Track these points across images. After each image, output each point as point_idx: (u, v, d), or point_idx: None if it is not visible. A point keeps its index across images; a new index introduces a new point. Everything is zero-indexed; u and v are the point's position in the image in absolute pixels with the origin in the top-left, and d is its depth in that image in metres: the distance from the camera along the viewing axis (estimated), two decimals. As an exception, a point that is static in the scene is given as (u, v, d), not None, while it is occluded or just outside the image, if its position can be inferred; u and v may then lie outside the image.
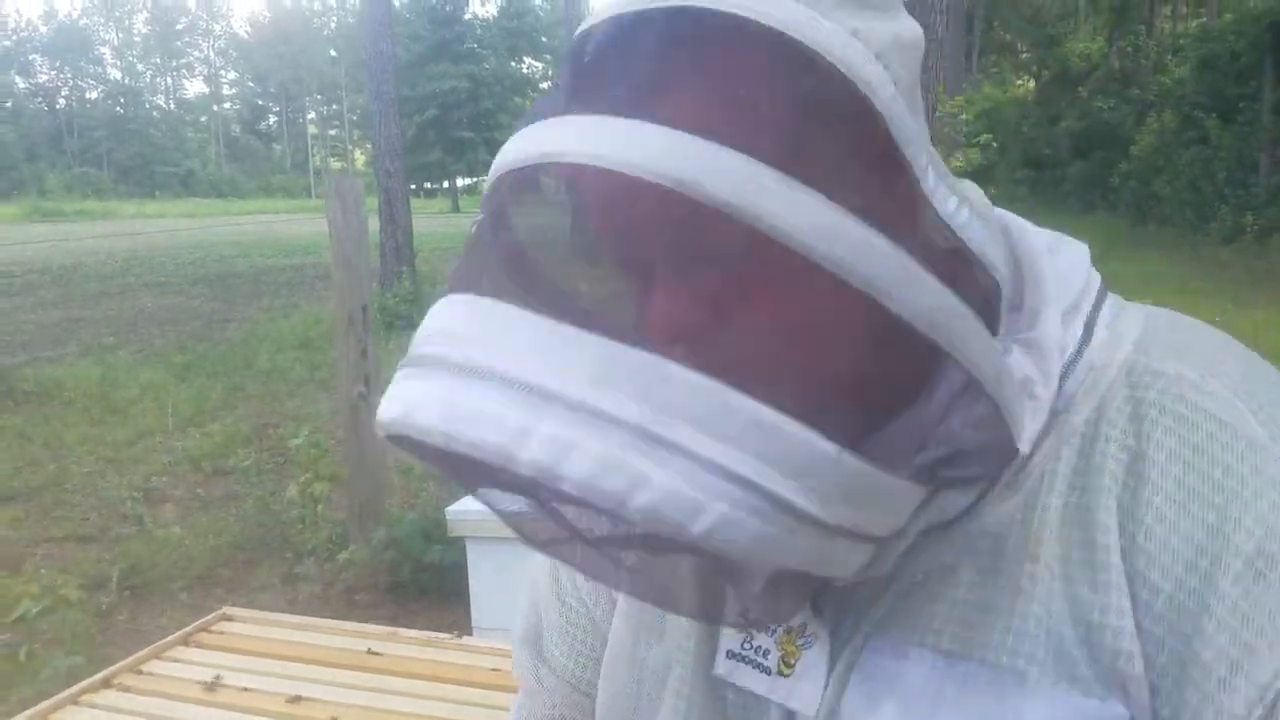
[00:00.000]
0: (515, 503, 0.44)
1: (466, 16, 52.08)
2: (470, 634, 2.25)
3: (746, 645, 0.50)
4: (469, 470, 0.37)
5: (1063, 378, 0.45)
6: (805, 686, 0.47)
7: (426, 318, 0.38)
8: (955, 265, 0.41)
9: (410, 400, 0.35)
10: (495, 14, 54.43)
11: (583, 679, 0.62)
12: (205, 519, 4.37)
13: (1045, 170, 25.07)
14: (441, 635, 1.45)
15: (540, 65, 63.46)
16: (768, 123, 0.37)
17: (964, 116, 11.39)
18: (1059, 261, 0.51)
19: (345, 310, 3.50)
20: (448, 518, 2.23)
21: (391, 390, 0.37)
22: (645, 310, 0.40)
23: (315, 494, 3.71)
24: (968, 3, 28.72)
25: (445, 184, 58.49)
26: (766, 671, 0.48)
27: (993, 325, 0.44)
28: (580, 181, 0.40)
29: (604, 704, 0.58)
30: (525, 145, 0.38)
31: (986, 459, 0.41)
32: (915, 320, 0.36)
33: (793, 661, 0.48)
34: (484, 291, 0.36)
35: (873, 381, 0.40)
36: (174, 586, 3.66)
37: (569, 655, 0.63)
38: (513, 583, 2.17)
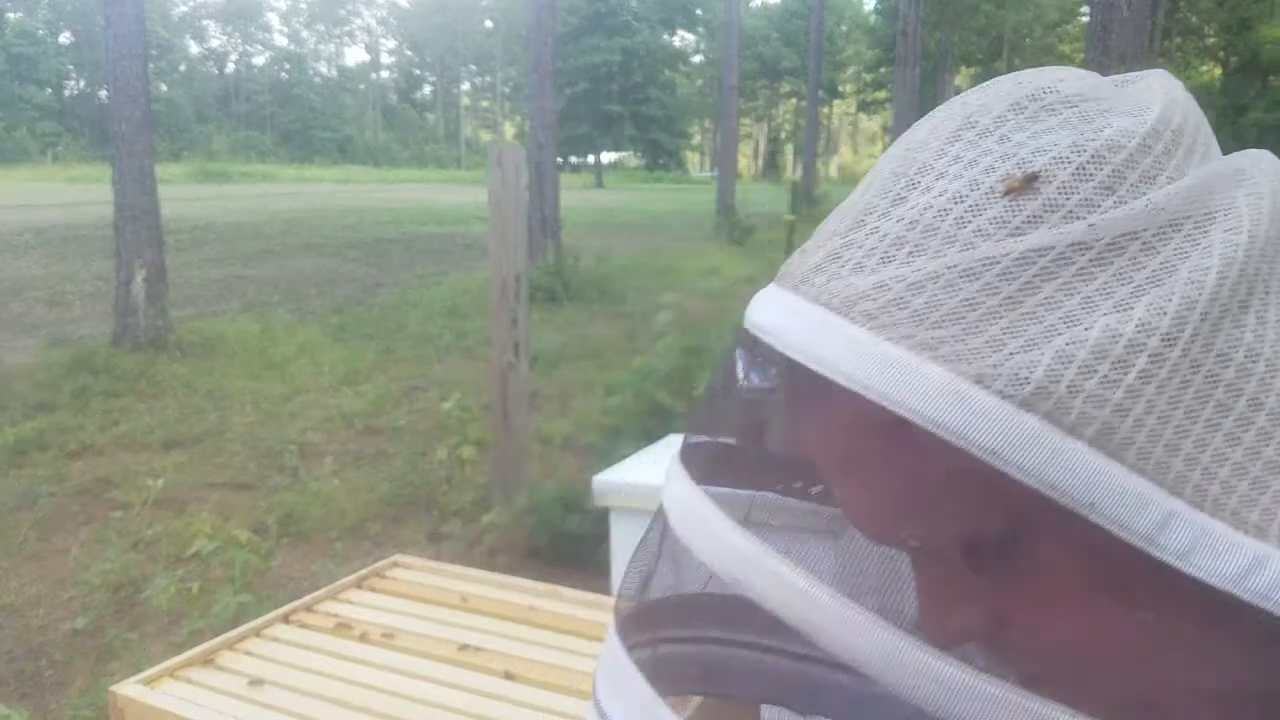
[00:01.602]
0: None
1: (623, -13, 52.32)
2: (607, 608, 2.28)
3: None
4: None
5: None
6: None
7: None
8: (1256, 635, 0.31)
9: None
10: (651, -16, 54.39)
11: None
12: (356, 474, 4.60)
13: (1228, 164, 23.19)
14: (602, 596, 1.47)
15: (693, 38, 63.07)
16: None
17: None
18: None
19: (499, 278, 3.58)
20: (594, 487, 2.25)
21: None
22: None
23: (463, 457, 3.84)
24: (1153, -18, 26.78)
25: (590, 159, 59.10)
26: None
27: None
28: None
29: None
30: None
31: None
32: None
33: None
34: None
35: None
36: (327, 536, 3.86)
37: None
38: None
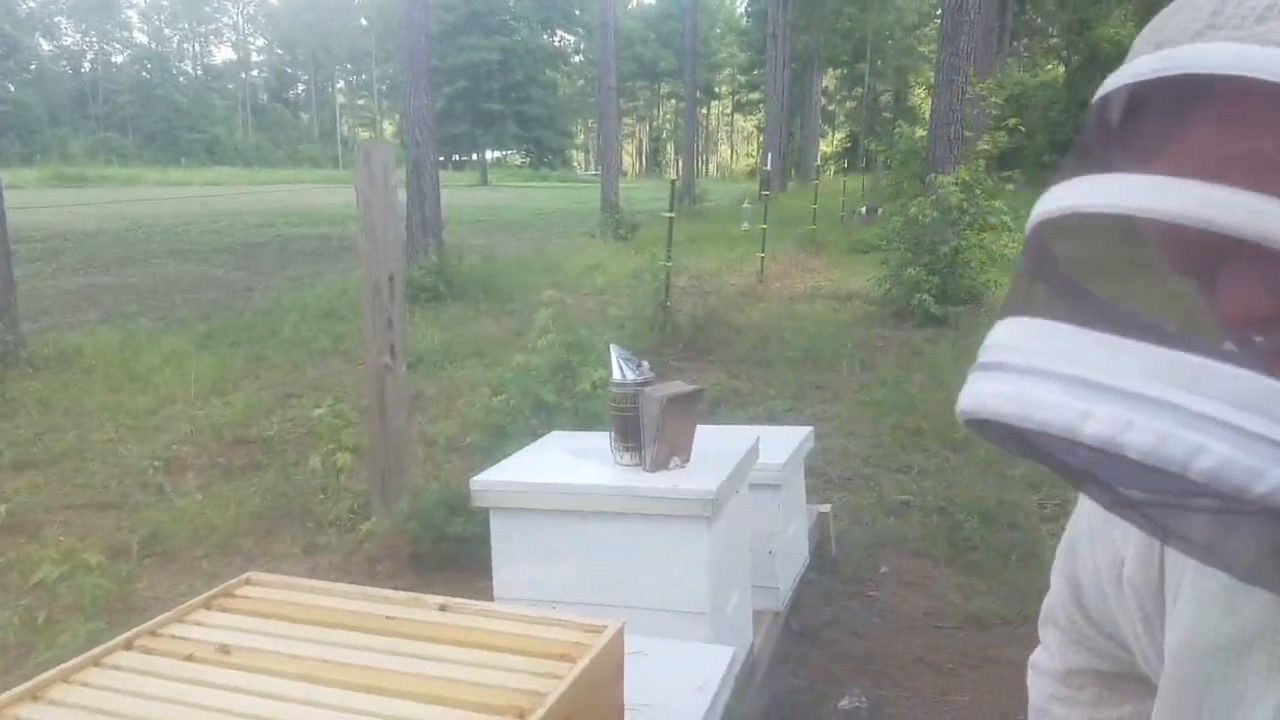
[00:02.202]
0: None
1: (499, -12, 51.86)
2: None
3: None
4: (1038, 448, 0.46)
5: None
6: None
7: (989, 335, 0.47)
8: None
9: (983, 394, 0.44)
10: (527, -15, 54.03)
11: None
12: (226, 487, 4.38)
13: (1073, 156, 24.78)
14: (464, 601, 1.43)
15: (572, 38, 63.00)
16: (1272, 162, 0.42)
17: (994, 99, 11.24)
18: None
19: (371, 279, 3.47)
20: (472, 488, 2.21)
21: (965, 389, 0.46)
22: (1193, 319, 0.49)
23: (338, 464, 3.71)
24: (1003, -14, 28.28)
25: (474, 156, 58.31)
26: None
27: None
28: (1137, 226, 0.46)
29: (1172, 684, 0.63)
30: (1063, 196, 0.46)
31: None
32: None
33: None
34: (1035, 314, 0.45)
35: None
36: (194, 554, 3.66)
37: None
38: (534, 553, 2.15)
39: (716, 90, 76.63)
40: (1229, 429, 0.38)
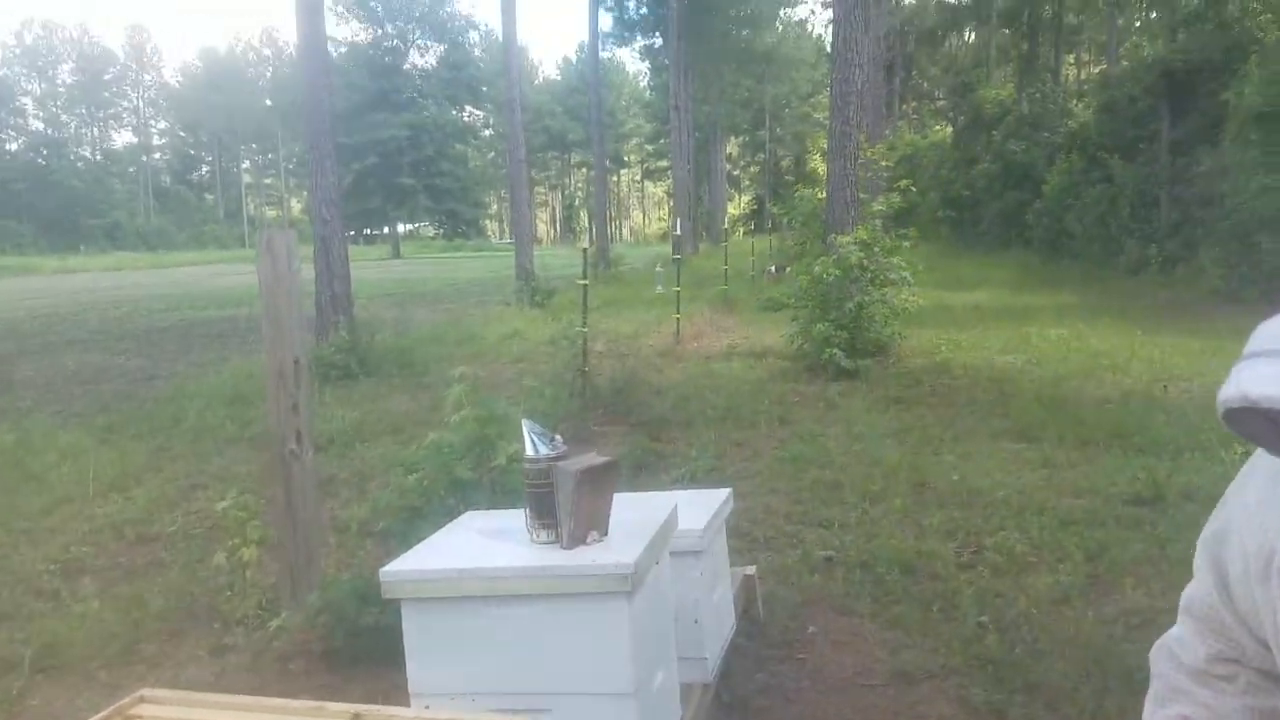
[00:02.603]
0: None
1: (406, 67, 52.26)
2: (407, 701, 2.15)
3: None
4: None
5: None
6: None
7: (1260, 328, 0.52)
8: None
9: (1246, 382, 0.48)
10: (435, 64, 54.57)
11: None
12: (127, 590, 4.14)
13: (964, 210, 26.00)
14: (371, 707, 1.37)
15: (481, 114, 63.68)
16: None
17: (885, 163, 11.78)
18: None
19: (275, 364, 3.38)
20: (381, 579, 2.13)
21: (1231, 381, 0.50)
22: None
23: (244, 559, 3.55)
24: (888, 55, 29.79)
25: (386, 230, 57.96)
26: None
27: None
28: None
29: None
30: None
31: None
32: None
33: None
34: None
35: None
36: (92, 665, 3.44)
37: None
38: (449, 644, 2.08)
39: (626, 159, 78.23)
40: None
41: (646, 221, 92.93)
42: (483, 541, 2.26)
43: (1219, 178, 16.01)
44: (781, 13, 43.66)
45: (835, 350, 8.64)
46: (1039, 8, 28.54)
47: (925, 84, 38.99)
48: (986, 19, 31.32)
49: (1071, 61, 34.88)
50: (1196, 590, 0.84)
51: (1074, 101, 25.66)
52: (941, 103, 37.00)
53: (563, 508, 2.07)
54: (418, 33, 52.97)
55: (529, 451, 2.13)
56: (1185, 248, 16.58)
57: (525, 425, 2.16)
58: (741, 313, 14.70)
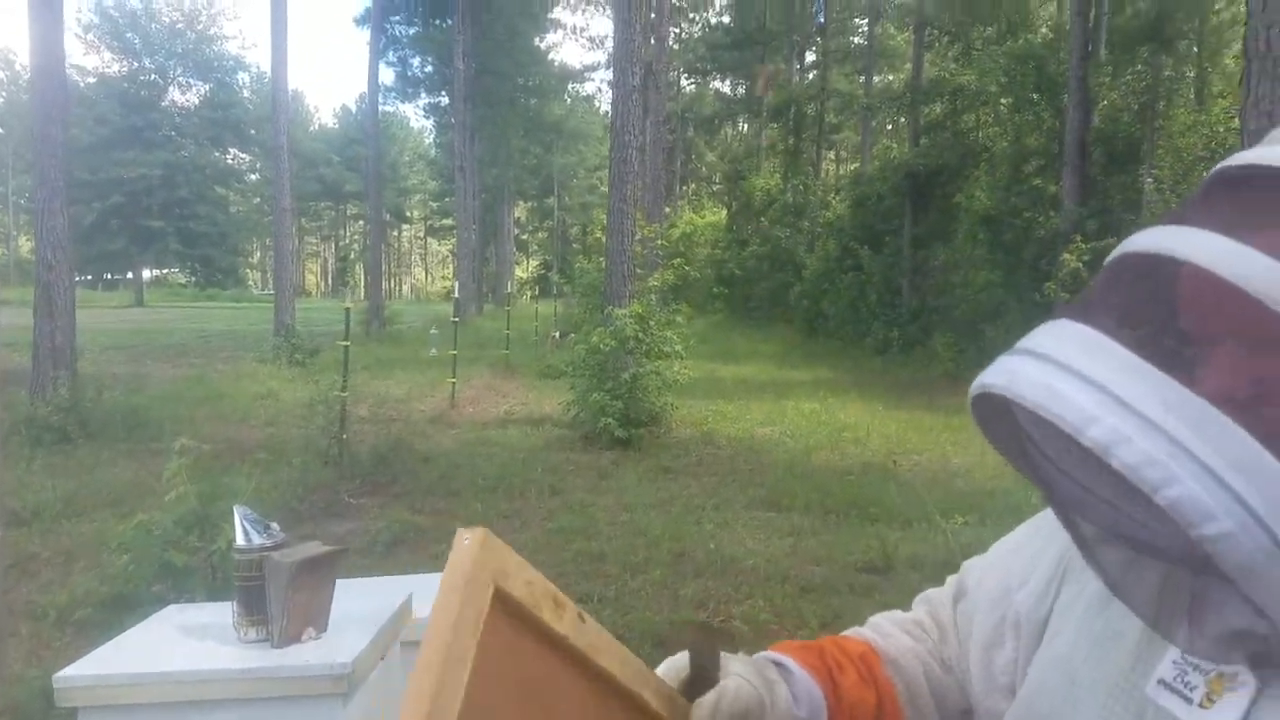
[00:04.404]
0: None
1: (164, 103, 48.70)
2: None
3: (1178, 680, 0.60)
4: (1036, 435, 0.54)
5: None
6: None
7: (1039, 328, 0.54)
8: None
9: (1018, 373, 0.51)
10: (197, 102, 51.21)
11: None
12: None
13: (736, 288, 27.63)
14: None
15: (248, 157, 60.26)
16: None
17: (661, 242, 12.30)
18: None
19: (-52, 431, 2.89)
20: (55, 685, 1.82)
21: (999, 366, 0.53)
22: (1207, 369, 0.54)
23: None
24: (670, 138, 31.40)
25: (130, 275, 53.00)
26: (1189, 702, 0.59)
27: None
28: (1183, 272, 0.53)
29: (1027, 694, 0.72)
30: (1154, 238, 0.54)
31: None
32: None
33: (1215, 698, 0.58)
34: (1092, 325, 0.51)
35: None
36: None
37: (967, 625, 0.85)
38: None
39: (408, 214, 76.70)
40: (1209, 472, 0.46)
41: (430, 279, 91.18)
42: (181, 640, 1.99)
43: (952, 271, 18.03)
44: (571, 86, 45.03)
45: (610, 420, 8.73)
46: (803, 106, 31.19)
47: (704, 169, 41.36)
48: (758, 113, 33.80)
49: (831, 158, 38.34)
50: (939, 594, 0.93)
51: (832, 195, 28.12)
52: (718, 187, 39.30)
53: (275, 603, 1.86)
54: (179, 69, 49.65)
55: (239, 540, 1.91)
56: (923, 332, 18.38)
57: (237, 511, 1.94)
58: (522, 378, 14.61)
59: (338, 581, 2.04)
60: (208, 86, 50.78)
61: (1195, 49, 19.76)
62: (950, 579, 0.92)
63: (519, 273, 58.81)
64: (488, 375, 14.73)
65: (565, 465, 7.95)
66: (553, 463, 8.00)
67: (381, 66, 32.02)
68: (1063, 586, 0.74)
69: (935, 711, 0.85)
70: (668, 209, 23.57)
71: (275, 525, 1.94)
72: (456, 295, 15.05)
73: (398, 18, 32.51)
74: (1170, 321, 0.56)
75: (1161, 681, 0.61)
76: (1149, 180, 14.68)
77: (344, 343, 7.50)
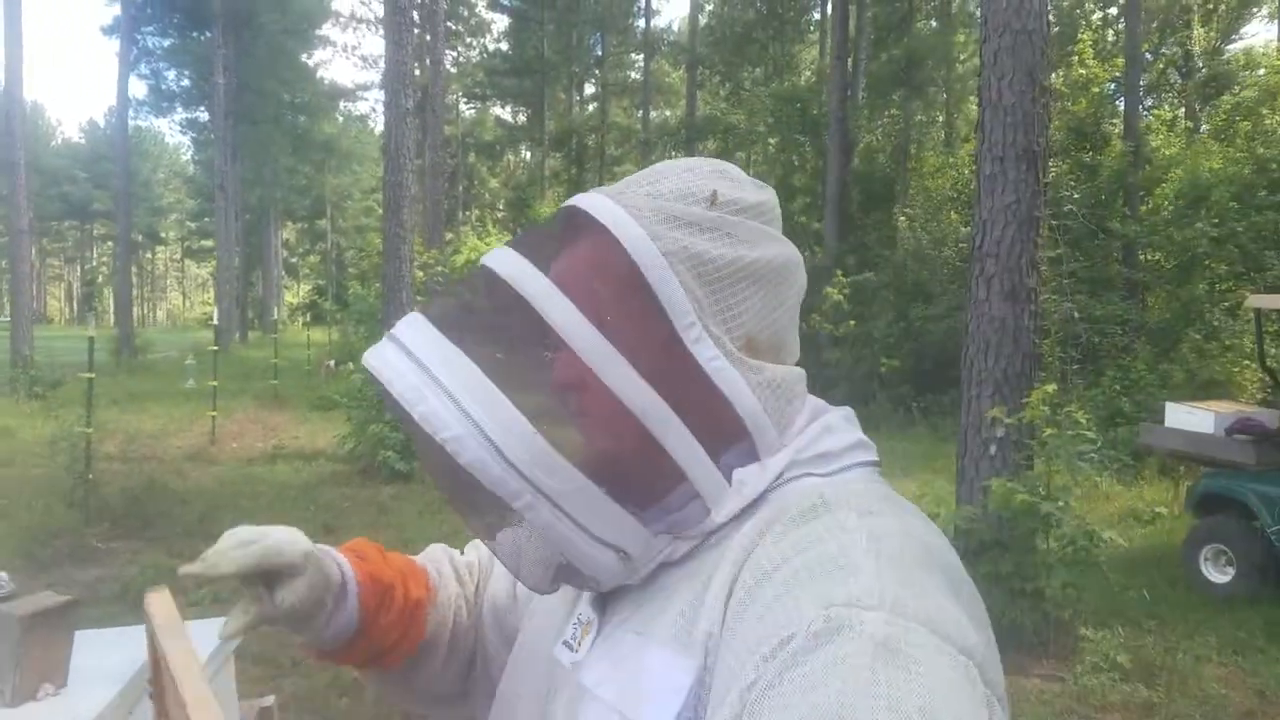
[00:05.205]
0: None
1: None
2: None
3: (573, 638, 0.76)
4: (386, 398, 0.66)
5: (773, 489, 0.70)
6: (583, 658, 0.74)
7: (409, 315, 0.70)
8: (704, 395, 0.68)
9: (385, 357, 0.66)
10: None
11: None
12: None
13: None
14: None
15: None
16: (583, 274, 0.71)
17: (439, 268, 12.14)
18: (826, 439, 0.74)
19: None
20: None
21: (377, 348, 0.68)
22: (477, 335, 0.69)
23: None
24: (451, 162, 31.08)
25: None
26: (573, 650, 0.75)
27: (724, 442, 0.70)
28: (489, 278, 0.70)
29: (512, 660, 0.87)
30: (490, 254, 0.71)
31: (691, 519, 0.70)
32: (629, 405, 0.66)
33: (582, 642, 0.75)
34: (439, 325, 0.67)
35: (625, 449, 0.69)
36: None
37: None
38: None
39: (163, 235, 70.75)
40: (447, 395, 0.63)
41: (188, 304, 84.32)
42: (-113, 712, 1.77)
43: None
44: (343, 105, 43.37)
45: (390, 452, 8.48)
46: (584, 137, 31.90)
47: (487, 195, 41.16)
48: (540, 141, 34.18)
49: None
50: (481, 551, 1.04)
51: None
52: (503, 214, 39.24)
53: (6, 659, 1.71)
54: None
55: (-39, 593, 1.74)
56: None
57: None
58: (293, 410, 13.87)
59: (83, 633, 1.91)
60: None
61: (944, 95, 22.00)
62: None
63: (289, 298, 55.66)
64: (253, 408, 13.89)
65: (341, 501, 7.66)
66: (327, 499, 7.68)
67: (133, 79, 29.58)
68: None
69: (446, 656, 0.94)
70: (450, 234, 23.20)
71: (3, 575, 1.79)
72: (216, 321, 14.16)
73: (150, 28, 30.07)
74: (471, 303, 0.74)
75: (564, 642, 0.76)
76: (902, 219, 16.16)
77: (88, 375, 6.84)
